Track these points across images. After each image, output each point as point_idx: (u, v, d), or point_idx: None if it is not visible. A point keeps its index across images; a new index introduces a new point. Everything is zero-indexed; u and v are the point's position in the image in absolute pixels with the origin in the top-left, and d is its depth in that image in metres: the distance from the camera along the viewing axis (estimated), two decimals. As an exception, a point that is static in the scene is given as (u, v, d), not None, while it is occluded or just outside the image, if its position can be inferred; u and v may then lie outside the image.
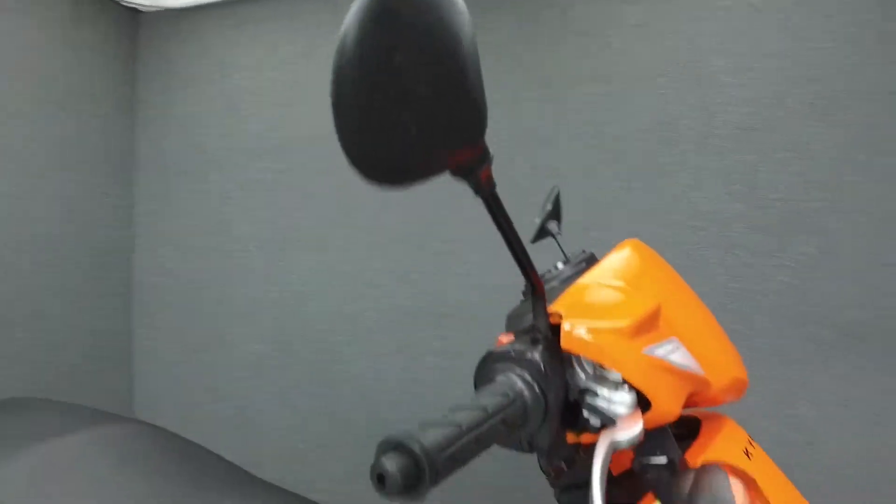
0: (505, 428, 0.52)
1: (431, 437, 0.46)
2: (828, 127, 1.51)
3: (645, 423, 0.60)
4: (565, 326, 0.61)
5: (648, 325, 0.63)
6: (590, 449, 0.67)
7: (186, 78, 2.03)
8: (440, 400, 1.77)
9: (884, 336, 1.44)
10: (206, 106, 2.01)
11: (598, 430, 0.61)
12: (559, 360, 0.61)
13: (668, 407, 0.61)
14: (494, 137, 1.73)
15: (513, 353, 0.60)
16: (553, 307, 0.63)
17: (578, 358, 0.62)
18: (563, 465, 0.65)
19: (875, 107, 1.48)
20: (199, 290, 1.99)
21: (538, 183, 1.70)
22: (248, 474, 0.95)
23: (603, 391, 0.60)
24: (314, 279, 1.89)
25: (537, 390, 0.57)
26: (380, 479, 0.45)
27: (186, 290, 2.00)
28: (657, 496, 0.60)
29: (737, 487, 0.53)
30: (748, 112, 1.55)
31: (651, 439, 0.62)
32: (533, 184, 1.71)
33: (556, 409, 0.59)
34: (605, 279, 0.68)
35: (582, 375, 0.62)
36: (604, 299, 0.66)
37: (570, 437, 0.63)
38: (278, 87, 1.94)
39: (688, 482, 0.56)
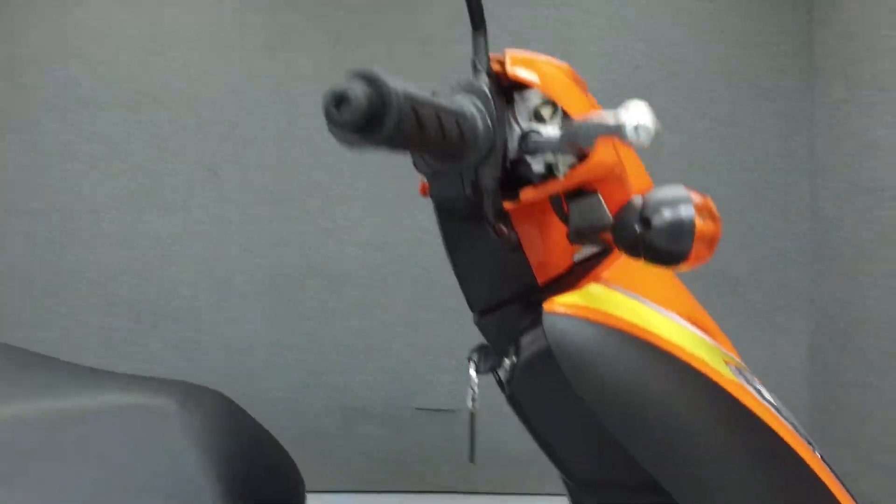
0: (458, 133, 0.49)
1: (401, 84, 0.42)
2: (677, 98, 1.68)
3: (586, 171, 0.59)
4: (508, 59, 0.60)
5: (581, 87, 0.64)
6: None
7: (9, 9, 1.75)
8: (318, 366, 1.73)
9: (735, 283, 1.66)
10: (41, 46, 1.74)
11: (540, 180, 0.60)
12: (502, 99, 0.58)
13: (608, 153, 0.61)
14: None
15: (456, 83, 0.57)
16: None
17: (513, 112, 0.60)
18: (505, 228, 0.61)
19: (714, 83, 1.68)
20: (34, 256, 1.75)
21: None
22: (93, 369, 0.85)
23: (547, 129, 0.58)
24: (176, 242, 1.75)
25: (488, 119, 0.55)
26: (338, 102, 0.40)
27: (17, 257, 1.75)
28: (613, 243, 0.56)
29: (691, 192, 0.52)
30: (609, 79, 1.68)
31: (582, 210, 0.62)
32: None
33: (502, 144, 0.57)
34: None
35: (517, 129, 0.60)
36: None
37: (508, 205, 0.61)
38: (134, 31, 1.75)
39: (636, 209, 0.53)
